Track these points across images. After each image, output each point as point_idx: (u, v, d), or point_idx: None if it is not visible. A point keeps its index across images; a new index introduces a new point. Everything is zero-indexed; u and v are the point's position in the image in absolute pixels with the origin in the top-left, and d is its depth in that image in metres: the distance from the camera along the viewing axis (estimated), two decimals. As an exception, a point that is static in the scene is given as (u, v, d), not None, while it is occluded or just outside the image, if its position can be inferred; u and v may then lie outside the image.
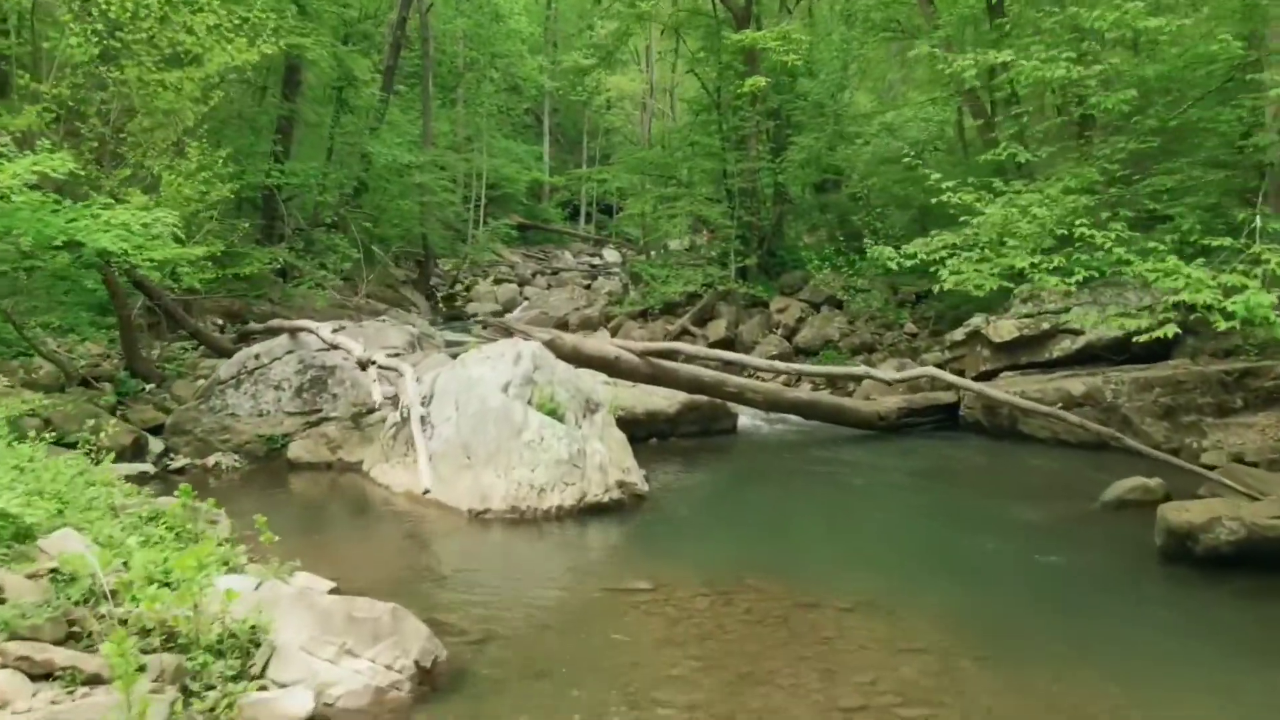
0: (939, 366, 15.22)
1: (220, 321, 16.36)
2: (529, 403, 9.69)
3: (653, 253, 27.82)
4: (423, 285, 29.44)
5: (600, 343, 11.44)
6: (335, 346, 10.84)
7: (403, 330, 11.83)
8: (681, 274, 20.39)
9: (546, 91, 42.07)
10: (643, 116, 35.60)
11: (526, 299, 31.52)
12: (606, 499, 9.07)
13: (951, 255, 10.20)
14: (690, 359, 12.02)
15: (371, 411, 11.07)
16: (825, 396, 12.82)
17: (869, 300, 17.12)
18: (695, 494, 10.24)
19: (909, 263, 10.46)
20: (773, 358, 18.03)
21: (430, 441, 9.75)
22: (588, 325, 24.92)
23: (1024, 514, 9.10)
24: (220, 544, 6.85)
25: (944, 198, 10.29)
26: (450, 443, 9.51)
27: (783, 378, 13.81)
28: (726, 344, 19.90)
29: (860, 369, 12.89)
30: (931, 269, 10.33)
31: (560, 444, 9.15)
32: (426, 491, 7.35)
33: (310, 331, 11.30)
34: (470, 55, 34.94)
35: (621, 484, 9.26)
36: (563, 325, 22.75)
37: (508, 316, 29.63)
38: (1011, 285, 10.40)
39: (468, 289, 32.12)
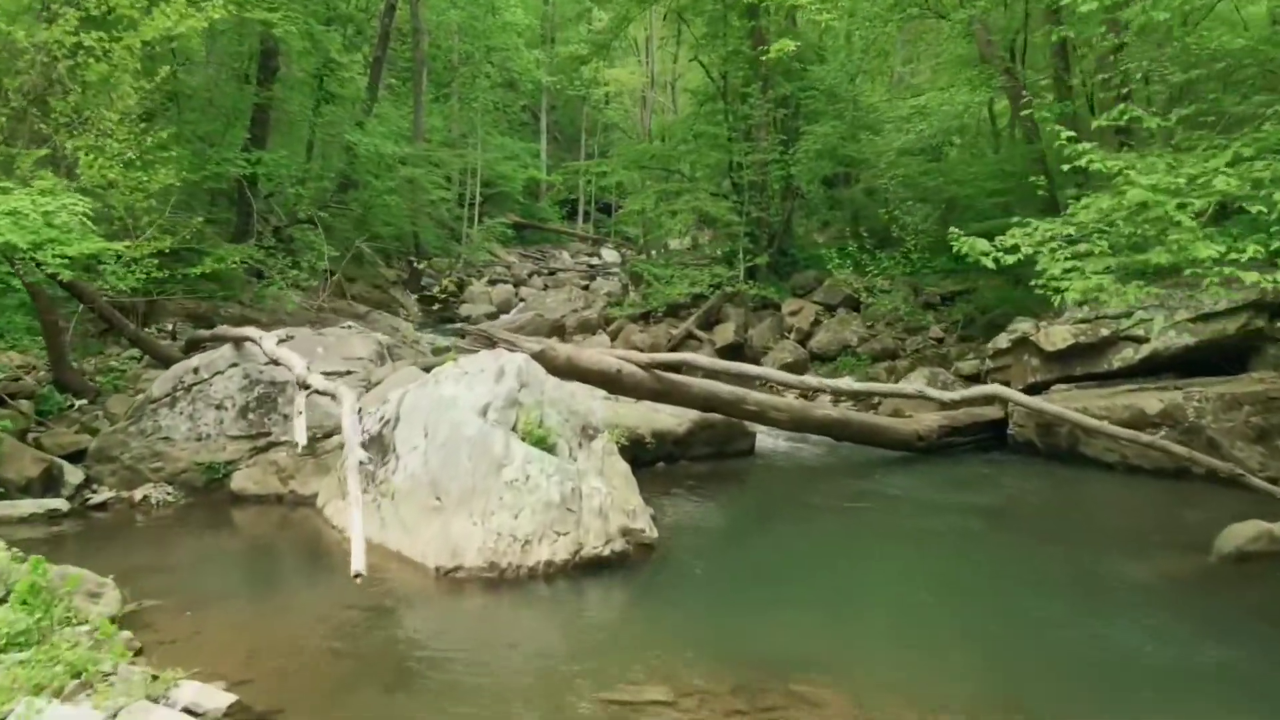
0: (978, 377, 13.33)
1: (172, 327, 14.39)
2: (513, 429, 7.76)
3: (653, 252, 25.89)
4: (413, 286, 27.48)
5: (599, 354, 9.49)
6: (277, 361, 8.89)
7: (368, 339, 9.91)
8: (686, 274, 18.45)
9: (544, 88, 40.13)
10: (642, 113, 33.63)
11: (522, 300, 29.58)
12: (607, 551, 7.14)
13: (1060, 247, 7.95)
14: (706, 372, 10.03)
15: (329, 435, 9.14)
16: (858, 415, 10.88)
17: (890, 302, 15.19)
18: (714, 541, 8.30)
19: (1010, 259, 8.28)
20: (787, 365, 16.12)
21: (394, 476, 7.83)
22: (585, 328, 23.05)
23: (1124, 570, 7.19)
24: (83, 640, 4.94)
25: (1082, 162, 7.73)
26: (417, 479, 7.59)
27: (812, 393, 11.65)
28: (735, 349, 17.99)
29: (913, 387, 10.83)
30: (1041, 273, 8.10)
31: (550, 482, 7.23)
32: (358, 576, 5.41)
33: (252, 341, 9.36)
34: (465, 49, 33.00)
35: (626, 531, 7.33)
36: (559, 329, 20.81)
37: (502, 318, 27.73)
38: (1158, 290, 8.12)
39: (460, 289, 30.20)
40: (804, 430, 10.71)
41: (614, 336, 19.37)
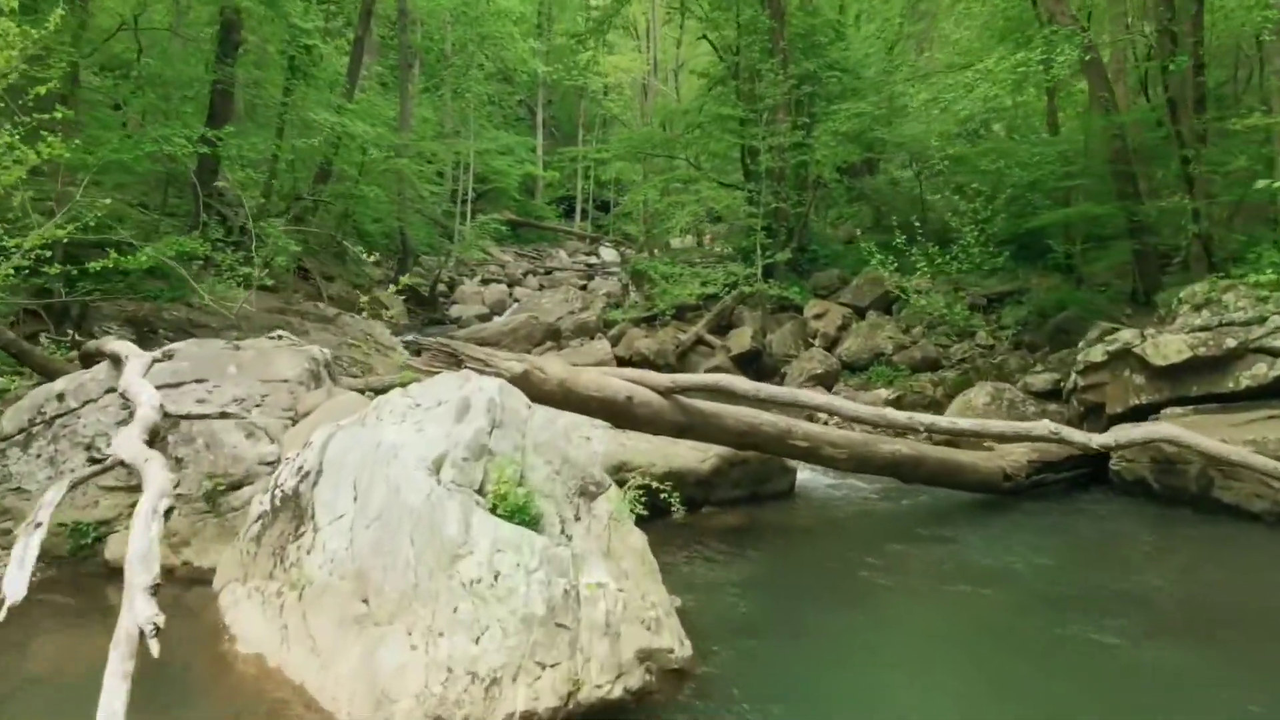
0: (1055, 394, 10.72)
1: (71, 335, 11.68)
2: (478, 492, 5.13)
3: (655, 250, 23.27)
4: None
5: (603, 377, 6.81)
6: (125, 395, 6.24)
7: (299, 356, 7.27)
8: (698, 273, 15.80)
9: (540, 81, 37.45)
10: (643, 104, 30.97)
11: (516, 300, 26.95)
12: (618, 691, 4.51)
13: None
14: (744, 399, 7.35)
15: (238, 487, 6.52)
16: (934, 450, 8.22)
17: (937, 303, 12.52)
18: (769, 649, 5.63)
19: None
20: (816, 377, 13.53)
21: (308, 557, 5.22)
22: (583, 331, 20.46)
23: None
24: None
25: None
26: (338, 566, 4.97)
27: (894, 429, 8.70)
28: (752, 357, 15.37)
29: (1044, 425, 7.94)
30: None
31: (532, 582, 4.60)
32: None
33: (120, 360, 6.71)
34: (458, 37, 30.33)
35: (645, 655, 4.71)
36: (554, 333, 18.17)
37: (495, 320, 25.08)
38: None
39: (451, 289, 27.54)
40: (867, 470, 8.09)
41: (615, 342, 16.75)
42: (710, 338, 15.93)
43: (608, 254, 34.73)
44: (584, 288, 28.00)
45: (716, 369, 15.07)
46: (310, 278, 20.38)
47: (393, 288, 23.77)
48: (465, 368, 6.28)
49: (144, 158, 12.51)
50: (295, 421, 6.88)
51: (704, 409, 6.91)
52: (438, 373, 6.28)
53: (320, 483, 5.55)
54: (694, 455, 8.07)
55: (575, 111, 38.19)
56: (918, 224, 13.65)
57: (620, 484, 6.12)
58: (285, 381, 7.11)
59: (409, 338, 21.07)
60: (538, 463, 5.61)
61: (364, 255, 25.27)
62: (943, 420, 8.54)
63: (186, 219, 16.10)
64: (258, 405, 6.83)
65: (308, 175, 21.81)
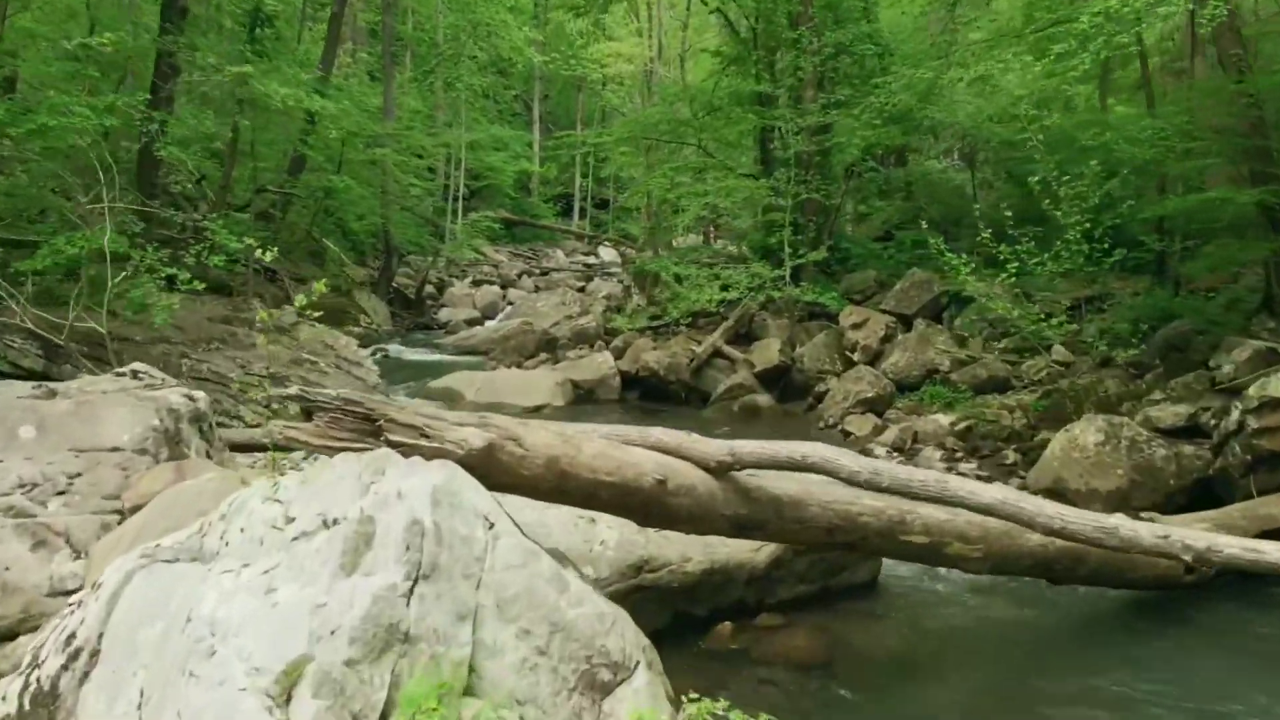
0: (1202, 431, 8.00)
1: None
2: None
3: (658, 249, 20.56)
4: (383, 287, 22.00)
5: (618, 449, 3.95)
6: None
7: (143, 410, 4.56)
8: (717, 275, 13.04)
9: (536, 76, 34.65)
10: (647, 98, 28.15)
11: (509, 303, 24.15)
12: None
13: None
14: (842, 477, 4.38)
15: (13, 636, 3.76)
16: (1095, 533, 5.46)
17: (1029, 314, 9.68)
18: None
19: None
20: (866, 401, 10.81)
21: None
22: (582, 338, 17.69)
23: None
24: None
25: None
26: None
27: (1025, 506, 5.49)
28: (779, 373, 12.62)
29: None
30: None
31: None
32: None
33: None
34: (450, 24, 27.50)
35: None
36: (550, 342, 15.37)
37: (487, 324, 22.30)
38: None
39: (440, 291, 24.78)
40: (1010, 572, 5.34)
41: (619, 354, 13.98)
42: (730, 350, 13.20)
43: (607, 254, 31.97)
44: (582, 289, 25.26)
45: (738, 388, 12.34)
46: (278, 280, 17.61)
47: (365, 292, 21.13)
48: (386, 441, 3.52)
49: (34, 133, 9.70)
50: (123, 518, 4.12)
51: (777, 494, 4.18)
52: (338, 449, 3.52)
53: (92, 676, 2.82)
54: (744, 542, 5.33)
55: (573, 106, 35.37)
56: (981, 220, 10.87)
57: (652, 643, 3.37)
58: (115, 451, 4.33)
59: (388, 346, 18.36)
60: (504, 636, 2.89)
61: (343, 255, 22.78)
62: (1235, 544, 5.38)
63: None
64: (60, 492, 4.08)
65: (276, 165, 19.04)
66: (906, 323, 12.76)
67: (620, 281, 25.83)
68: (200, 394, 4.87)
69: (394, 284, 22.84)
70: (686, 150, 15.64)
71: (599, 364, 13.62)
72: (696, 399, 13.01)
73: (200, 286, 10.27)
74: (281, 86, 12.58)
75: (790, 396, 12.56)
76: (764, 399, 12.07)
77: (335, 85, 19.99)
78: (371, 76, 25.91)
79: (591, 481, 3.84)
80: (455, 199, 27.64)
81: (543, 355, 14.51)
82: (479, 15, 26.83)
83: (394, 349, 17.95)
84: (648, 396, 13.40)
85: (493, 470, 3.65)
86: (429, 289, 24.53)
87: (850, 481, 3.85)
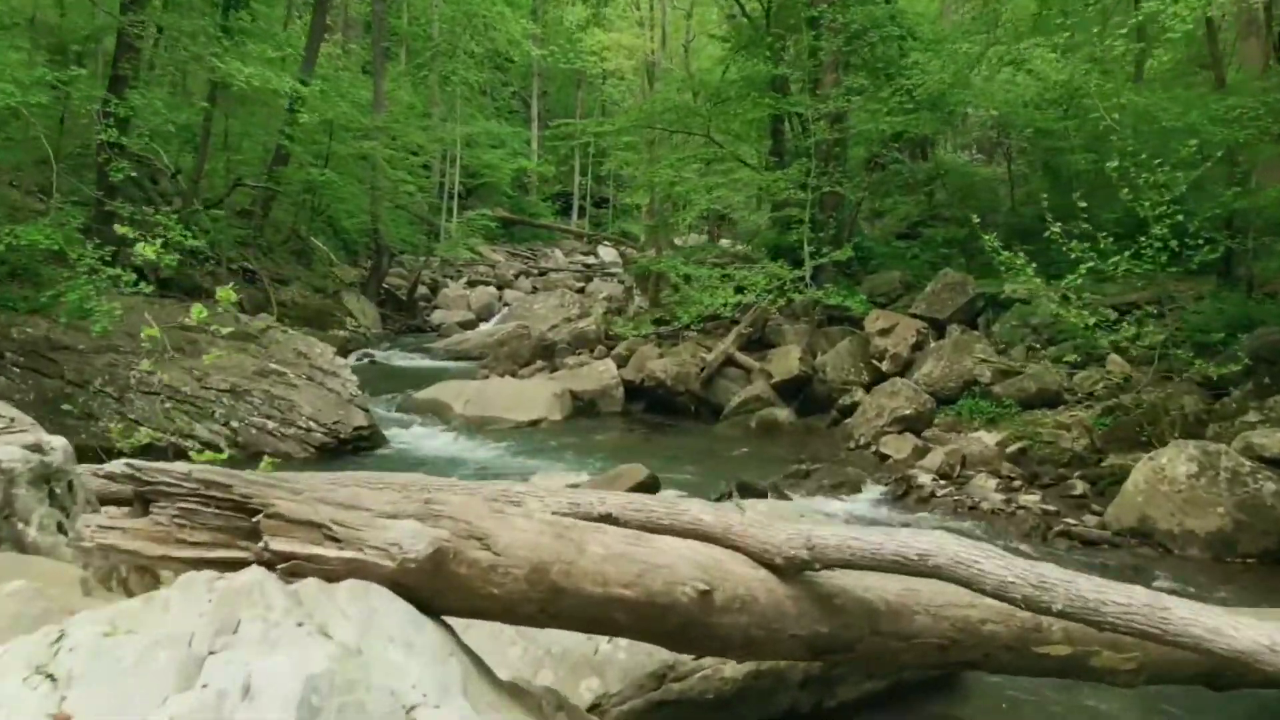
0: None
1: None
2: None
3: (658, 249, 19.15)
4: (373, 288, 20.55)
5: (636, 546, 2.61)
6: None
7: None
8: (730, 275, 11.61)
9: (534, 73, 33.19)
10: (649, 92, 26.69)
11: (506, 305, 22.72)
12: None
13: None
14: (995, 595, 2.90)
15: None
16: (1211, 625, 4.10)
17: (1089, 317, 8.21)
18: None
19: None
20: (903, 419, 9.39)
21: None
22: (582, 342, 16.29)
23: None
24: None
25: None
26: None
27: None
28: (800, 385, 11.21)
29: None
30: None
31: None
32: None
33: None
34: (444, 16, 26.05)
35: None
36: (547, 350, 13.93)
37: (481, 327, 20.90)
38: None
39: (434, 292, 23.33)
40: (1169, 682, 3.95)
41: (622, 361, 12.57)
42: (743, 358, 11.78)
43: (607, 254, 30.53)
44: (582, 290, 23.83)
45: (754, 401, 10.92)
46: (258, 281, 16.16)
47: (354, 294, 19.62)
48: (267, 550, 2.11)
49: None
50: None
51: (869, 601, 2.77)
52: (185, 565, 2.10)
53: None
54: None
55: (572, 102, 33.89)
56: (1003, 213, 9.47)
57: None
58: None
59: (375, 351, 16.93)
60: None
61: (332, 255, 21.35)
62: None
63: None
64: None
65: (260, 159, 17.58)
66: (939, 328, 11.34)
67: (621, 282, 24.41)
68: (58, 441, 3.44)
69: (385, 285, 21.40)
70: (693, 142, 14.16)
71: (600, 373, 12.20)
72: (707, 412, 11.60)
73: (147, 289, 8.85)
74: (246, 65, 11.10)
75: (811, 409, 11.15)
76: (783, 413, 10.65)
77: (321, 75, 18.56)
78: (365, 71, 24.46)
79: (600, 599, 2.42)
80: (451, 196, 26.22)
81: (539, 363, 13.09)
82: (475, 6, 25.40)
83: (381, 354, 16.52)
84: (654, 409, 11.99)
85: (444, 589, 2.24)
86: (422, 290, 23.10)
87: (999, 596, 2.46)
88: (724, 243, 25.42)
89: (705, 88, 13.94)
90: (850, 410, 10.65)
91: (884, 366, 10.95)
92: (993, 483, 7.86)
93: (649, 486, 7.20)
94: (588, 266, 28.54)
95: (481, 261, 26.43)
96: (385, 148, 18.52)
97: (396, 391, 12.70)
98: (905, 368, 10.95)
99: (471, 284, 23.93)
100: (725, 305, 10.95)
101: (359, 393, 10.74)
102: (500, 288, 23.96)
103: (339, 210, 21.88)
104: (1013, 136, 12.23)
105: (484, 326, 20.30)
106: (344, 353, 15.58)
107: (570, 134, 16.53)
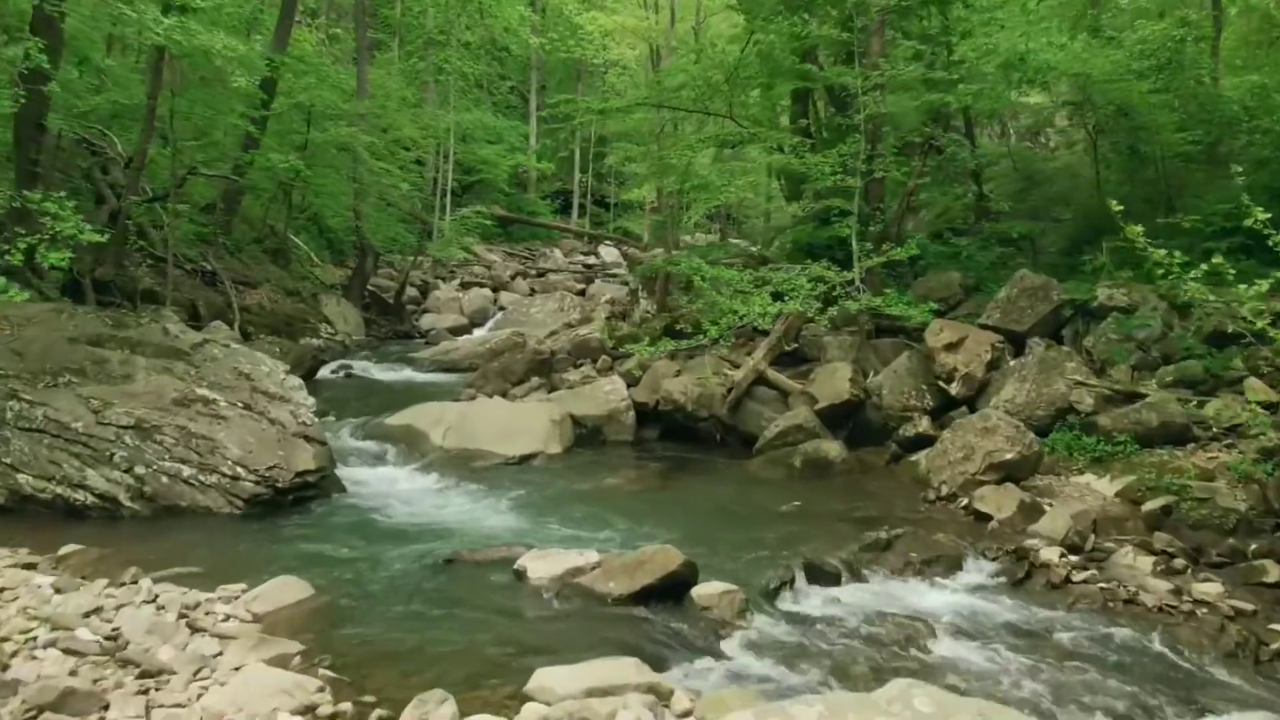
0: None
1: None
2: None
3: (671, 247, 16.87)
4: (356, 291, 18.24)
5: None
6: None
7: None
8: (767, 277, 9.29)
9: (534, 67, 30.85)
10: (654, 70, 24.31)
11: (501, 308, 20.44)
12: None
13: None
14: None
15: None
16: None
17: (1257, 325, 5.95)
18: None
19: None
20: (1009, 467, 7.10)
21: None
22: (584, 352, 14.06)
23: None
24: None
25: None
26: None
27: None
28: (849, 411, 8.94)
29: None
30: None
31: None
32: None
33: None
34: (438, 1, 23.71)
35: None
36: (543, 366, 11.62)
37: (475, 333, 18.63)
38: None
39: (424, 294, 21.01)
40: None
41: (633, 380, 10.27)
42: (779, 377, 9.50)
43: (608, 254, 28.25)
44: (582, 293, 21.55)
45: (795, 432, 8.63)
46: (219, 283, 13.86)
47: (334, 297, 17.24)
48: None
49: None
50: None
51: None
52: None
53: None
54: None
55: (573, 95, 31.52)
56: (1136, 207, 7.24)
57: None
58: None
59: (353, 363, 14.60)
60: None
61: (313, 254, 19.03)
62: None
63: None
64: None
65: (231, 146, 15.23)
66: (1017, 342, 9.07)
67: (625, 284, 22.13)
68: None
69: (370, 287, 19.09)
70: (707, 127, 11.85)
71: (607, 394, 9.91)
72: (736, 442, 9.34)
73: (19, 296, 6.57)
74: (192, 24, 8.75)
75: (863, 440, 8.88)
76: (833, 448, 8.37)
77: (297, 56, 16.26)
78: (355, 61, 22.14)
79: None
80: (444, 193, 23.91)
81: (535, 379, 10.78)
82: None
83: (360, 365, 14.20)
84: (671, 436, 9.72)
85: None
86: (412, 292, 20.78)
87: None
88: (737, 242, 23.16)
89: (723, 64, 11.61)
90: (913, 444, 8.40)
91: (953, 389, 8.68)
92: (1145, 560, 5.60)
93: (684, 580, 4.94)
94: (588, 267, 26.25)
95: (476, 262, 24.13)
96: (369, 137, 16.17)
97: (369, 413, 10.42)
98: (978, 391, 8.69)
99: (465, 286, 21.62)
100: (764, 316, 8.62)
101: (313, 421, 8.45)
102: (495, 290, 21.66)
103: (323, 206, 19.60)
104: (1091, 114, 9.93)
105: (476, 333, 18.01)
106: (316, 365, 13.33)
107: (571, 113, 14.09)
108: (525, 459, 8.74)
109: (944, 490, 7.12)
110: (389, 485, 7.89)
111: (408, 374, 13.98)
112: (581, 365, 13.55)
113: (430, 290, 21.08)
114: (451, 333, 17.98)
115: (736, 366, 10.12)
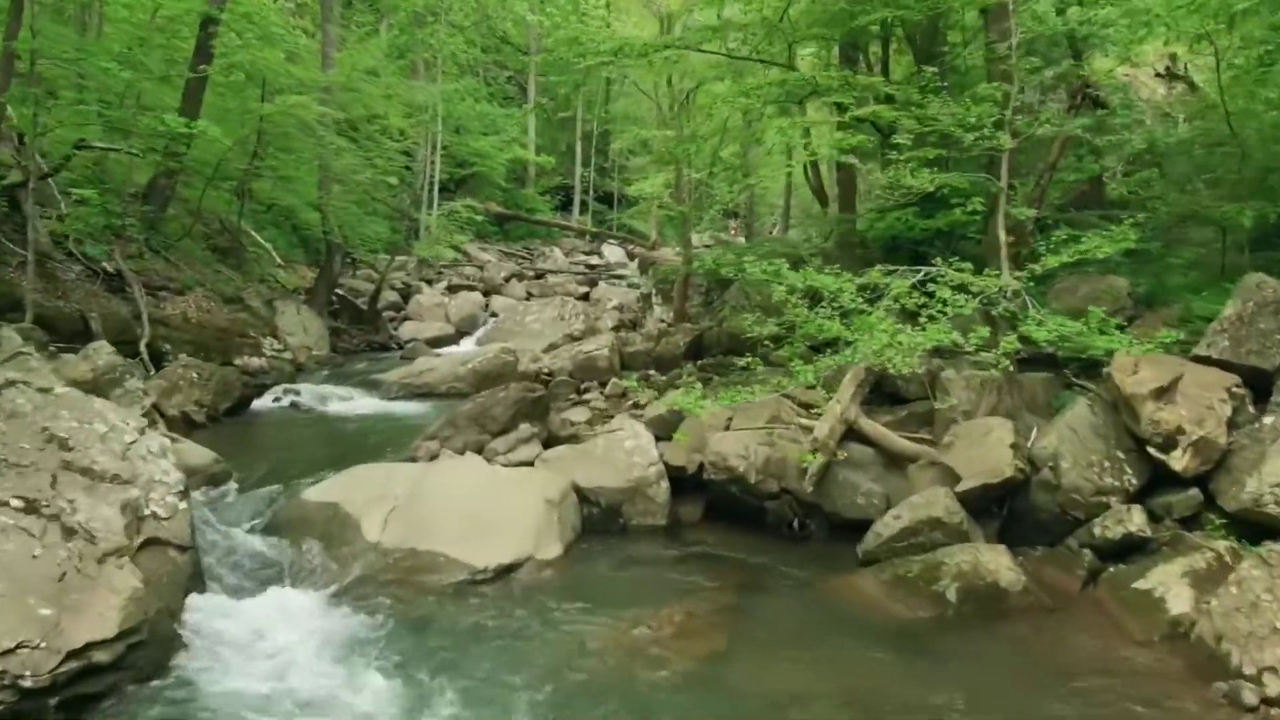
0: None
1: None
2: None
3: (660, 248, 13.38)
4: (321, 296, 14.70)
5: None
6: None
7: None
8: (891, 285, 5.73)
9: (532, 50, 27.32)
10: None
11: (493, 315, 16.97)
12: None
13: None
14: None
15: None
16: None
17: None
18: None
19: None
20: None
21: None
22: (590, 372, 10.78)
23: None
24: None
25: None
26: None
27: None
28: (1004, 494, 5.41)
29: None
30: None
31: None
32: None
33: None
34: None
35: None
36: (535, 404, 7.95)
37: (463, 344, 15.20)
38: None
39: (406, 299, 17.49)
40: None
41: (662, 428, 6.76)
42: (878, 430, 6.04)
43: (612, 253, 24.79)
44: (585, 297, 18.10)
45: (932, 528, 5.16)
46: (126, 288, 10.33)
47: (293, 304, 13.64)
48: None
49: None
50: None
51: None
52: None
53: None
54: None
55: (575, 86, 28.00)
56: None
57: None
58: None
59: (301, 388, 11.11)
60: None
61: (273, 252, 15.51)
62: None
63: None
64: None
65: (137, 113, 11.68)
66: (1260, 384, 5.60)
67: (634, 287, 18.68)
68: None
69: (339, 291, 15.60)
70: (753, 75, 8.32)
71: (629, 453, 6.41)
72: (822, 529, 5.91)
73: None
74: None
75: (1021, 534, 5.42)
76: (1002, 562, 4.87)
77: (241, 13, 12.70)
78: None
79: None
80: (430, 186, 20.40)
81: (524, 428, 7.20)
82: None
83: (312, 391, 10.62)
84: (720, 516, 6.26)
85: None
86: (392, 296, 17.31)
87: None
88: (735, 236, 19.67)
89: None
90: (1118, 550, 4.98)
91: (1176, 462, 5.21)
92: None
93: None
94: (591, 268, 22.78)
95: (468, 262, 20.63)
96: (324, 108, 12.65)
97: (296, 472, 6.95)
98: (1217, 464, 5.23)
99: (452, 289, 18.09)
100: (900, 352, 5.07)
101: (175, 510, 5.04)
102: (487, 294, 18.16)
103: (289, 197, 16.08)
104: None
105: (460, 347, 14.52)
106: (250, 393, 9.83)
107: (579, 55, 10.41)
108: (505, 572, 5.26)
109: (1239, 663, 3.65)
110: (266, 642, 4.39)
111: (370, 403, 10.47)
112: (588, 391, 10.11)
113: (414, 294, 17.57)
114: (433, 344, 14.49)
115: (806, 409, 6.67)
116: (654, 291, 14.02)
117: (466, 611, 4.77)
